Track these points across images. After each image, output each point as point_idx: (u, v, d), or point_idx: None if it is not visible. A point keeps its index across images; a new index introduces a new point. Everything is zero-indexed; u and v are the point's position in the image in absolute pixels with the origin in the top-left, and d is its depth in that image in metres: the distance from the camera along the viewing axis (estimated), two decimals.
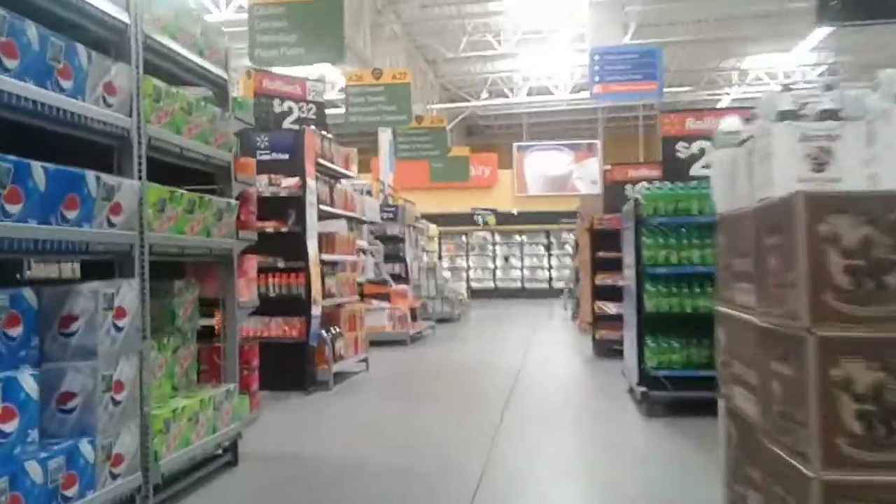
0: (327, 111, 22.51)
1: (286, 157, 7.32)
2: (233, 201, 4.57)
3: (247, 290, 4.75)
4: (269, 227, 7.12)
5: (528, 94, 25.21)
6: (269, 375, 7.23)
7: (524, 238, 26.36)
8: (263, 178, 7.15)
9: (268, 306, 7.12)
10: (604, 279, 9.44)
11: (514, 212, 25.92)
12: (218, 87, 4.65)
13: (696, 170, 6.25)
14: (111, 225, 3.34)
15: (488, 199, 26.51)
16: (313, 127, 7.59)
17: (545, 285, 25.82)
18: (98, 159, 3.45)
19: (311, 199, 7.17)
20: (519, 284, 26.08)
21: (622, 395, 6.76)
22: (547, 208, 25.35)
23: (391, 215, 15.23)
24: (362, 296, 12.02)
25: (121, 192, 3.39)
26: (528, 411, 6.41)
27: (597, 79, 13.30)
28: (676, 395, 5.82)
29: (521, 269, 26.29)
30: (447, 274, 24.48)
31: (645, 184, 6.37)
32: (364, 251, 12.45)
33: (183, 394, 4.22)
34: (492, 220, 25.84)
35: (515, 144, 27.50)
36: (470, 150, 24.28)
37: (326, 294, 7.64)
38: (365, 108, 14.79)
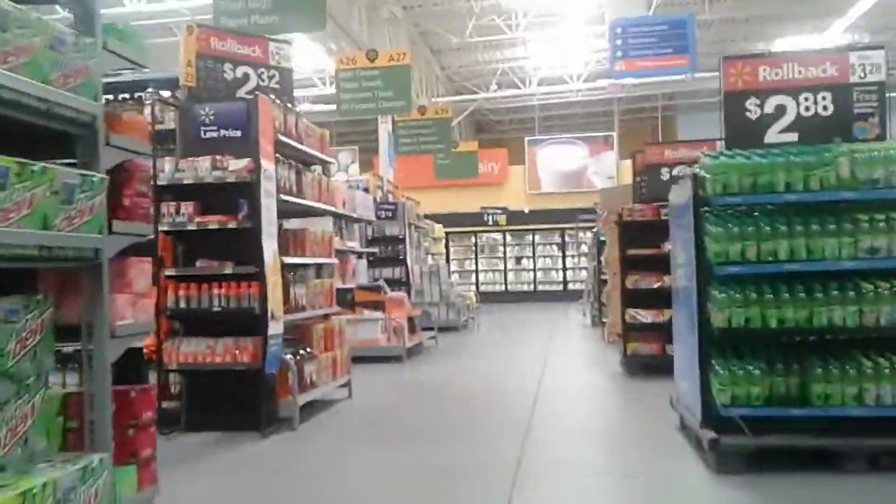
0: (317, 107, 21.14)
1: (237, 133, 5.75)
2: (99, 176, 2.98)
3: (130, 310, 3.17)
4: (213, 222, 5.55)
5: (540, 84, 23.61)
6: (215, 413, 5.70)
7: (537, 238, 24.75)
8: (206, 162, 5.59)
9: (212, 325, 5.61)
10: (636, 281, 7.81)
11: (526, 210, 24.36)
12: (77, 3, 3.07)
13: (773, 135, 4.62)
14: None
15: (499, 197, 24.91)
16: (273, 96, 6.03)
17: (559, 287, 24.21)
18: None
19: (267, 186, 5.59)
20: (531, 287, 24.49)
21: (674, 438, 5.13)
22: (561, 206, 23.79)
23: (390, 213, 13.69)
24: (353, 305, 10.47)
25: None
26: (550, 466, 4.78)
27: (619, 54, 11.66)
28: (759, 443, 4.20)
29: (534, 270, 24.69)
30: (455, 277, 22.93)
31: (706, 151, 4.72)
32: (356, 254, 10.89)
33: (6, 476, 2.64)
34: (502, 219, 24.25)
35: (527, 138, 25.91)
36: (478, 146, 22.70)
37: (293, 306, 6.06)
38: (359, 94, 13.25)
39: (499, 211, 24.27)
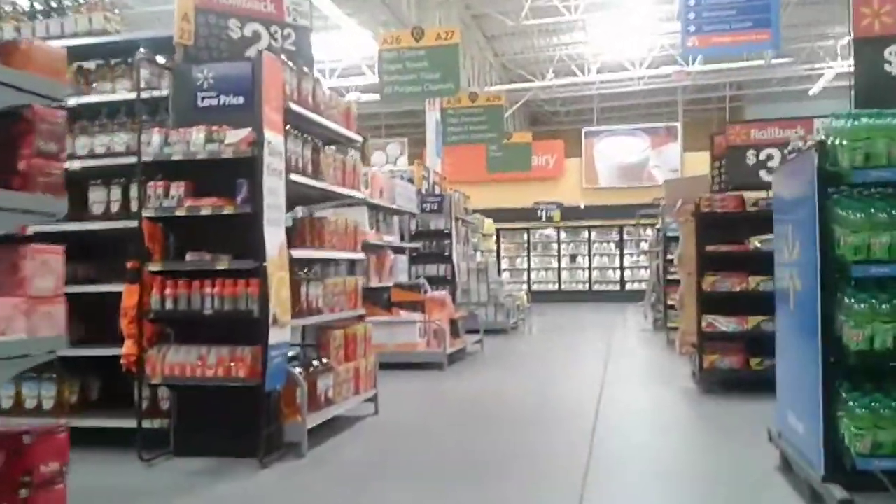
0: (366, 97, 20.21)
1: (240, 100, 4.77)
2: None
3: (21, 320, 2.20)
4: (205, 206, 4.59)
5: (600, 71, 22.28)
6: (209, 435, 4.75)
7: (593, 235, 23.47)
8: (199, 133, 4.64)
9: (204, 330, 4.65)
10: (715, 283, 6.62)
11: (582, 205, 23.07)
12: None
13: None
14: None
15: (553, 191, 23.68)
16: (284, 57, 5.05)
17: (616, 287, 22.91)
18: None
19: (272, 162, 4.60)
20: (587, 286, 23.22)
21: (777, 485, 3.98)
22: (619, 201, 22.44)
23: (435, 206, 12.65)
24: (390, 305, 9.49)
25: None
26: None
27: (691, 29, 10.38)
28: None
29: (590, 269, 23.41)
30: (505, 276, 21.82)
31: (836, 112, 3.56)
32: (395, 249, 9.90)
33: None
34: (557, 214, 23.01)
35: (584, 129, 24.59)
36: (532, 137, 21.53)
37: (305, 309, 5.07)
38: (403, 77, 12.26)
39: (553, 206, 23.05)
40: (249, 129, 4.55)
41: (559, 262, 23.59)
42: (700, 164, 19.49)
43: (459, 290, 12.38)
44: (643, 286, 20.08)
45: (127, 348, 4.64)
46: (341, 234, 5.71)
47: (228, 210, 4.54)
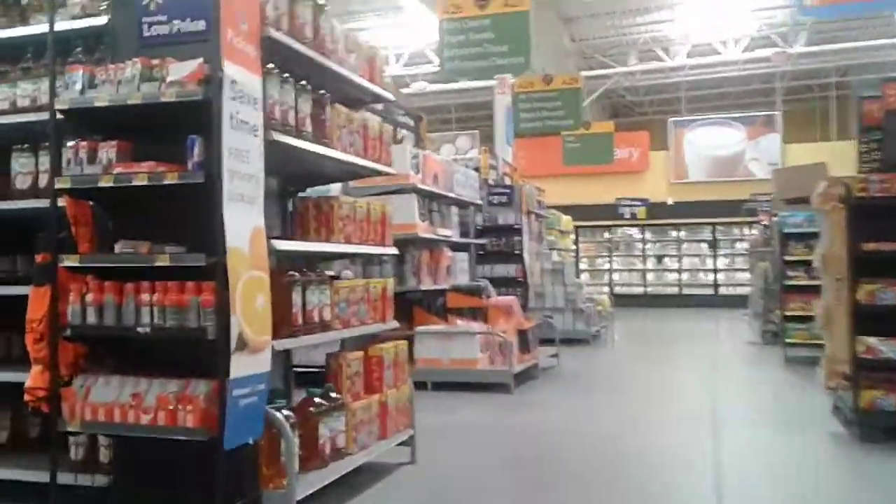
0: (433, 87, 18.80)
1: (200, 26, 3.30)
2: None
3: None
4: (140, 173, 3.13)
5: (689, 56, 20.21)
6: (158, 501, 3.31)
7: (682, 234, 21.43)
8: (132, 68, 3.20)
9: (142, 354, 3.21)
10: (875, 294, 4.83)
11: (670, 201, 21.06)
12: None
13: None
14: None
15: (637, 186, 21.72)
16: None
17: (709, 291, 20.79)
18: None
19: (239, 111, 3.11)
20: (675, 290, 21.22)
21: None
22: (712, 197, 20.39)
23: (504, 198, 11.08)
24: (445, 313, 7.95)
25: None
26: None
27: None
28: None
29: (679, 271, 21.38)
30: (584, 277, 20.03)
31: None
32: (455, 246, 8.36)
33: None
34: (642, 212, 21.07)
35: (671, 120, 22.52)
36: (615, 127, 19.68)
37: (304, 323, 3.57)
38: (466, 50, 10.73)
39: (638, 203, 21.12)
40: (200, 59, 3.08)
41: (644, 263, 21.64)
42: (804, 156, 17.33)
43: (532, 293, 10.77)
44: (741, 291, 18.03)
45: (33, 378, 3.25)
46: (358, 222, 4.19)
47: (171, 179, 3.06)
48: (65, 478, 3.37)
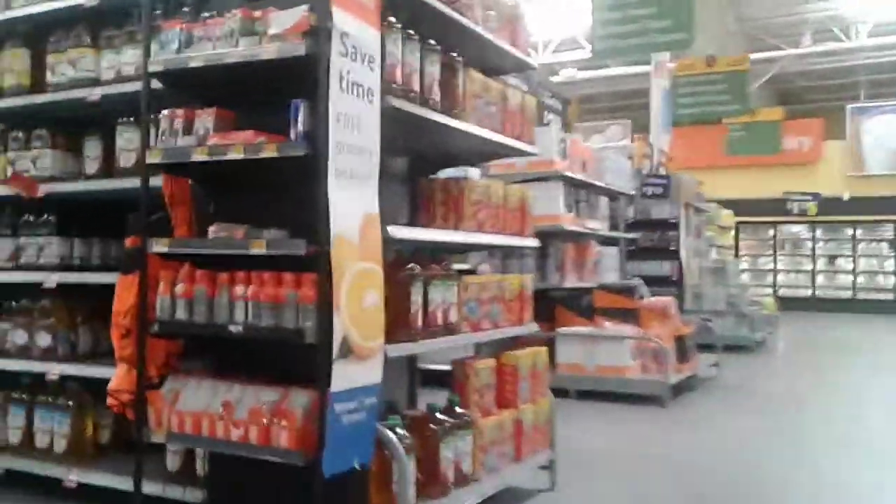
0: (584, 74, 17.91)
1: None
2: None
3: None
4: (235, 145, 2.67)
5: (870, 35, 18.15)
6: None
7: (858, 232, 19.37)
8: (229, 22, 2.74)
9: (233, 356, 2.76)
10: None
11: (846, 197, 19.06)
12: None
13: None
14: None
15: (808, 179, 19.84)
16: None
17: (889, 296, 18.70)
18: None
19: (351, 70, 2.58)
20: (850, 294, 19.22)
21: None
22: (894, 192, 18.26)
23: (659, 189, 10.21)
24: (592, 313, 7.21)
25: None
26: None
27: None
28: None
29: (854, 273, 19.35)
30: (745, 277, 18.50)
31: None
32: (604, 240, 7.60)
33: None
34: (812, 207, 19.22)
35: (850, 106, 20.40)
36: (783, 115, 18.02)
37: (421, 326, 3.02)
38: (621, 28, 9.82)
39: (808, 197, 19.27)
40: (305, 7, 2.57)
41: (814, 263, 19.75)
42: None
43: (689, 294, 9.83)
44: None
45: (118, 379, 2.87)
46: (494, 208, 3.59)
47: (269, 151, 2.58)
48: (151, 487, 2.99)
